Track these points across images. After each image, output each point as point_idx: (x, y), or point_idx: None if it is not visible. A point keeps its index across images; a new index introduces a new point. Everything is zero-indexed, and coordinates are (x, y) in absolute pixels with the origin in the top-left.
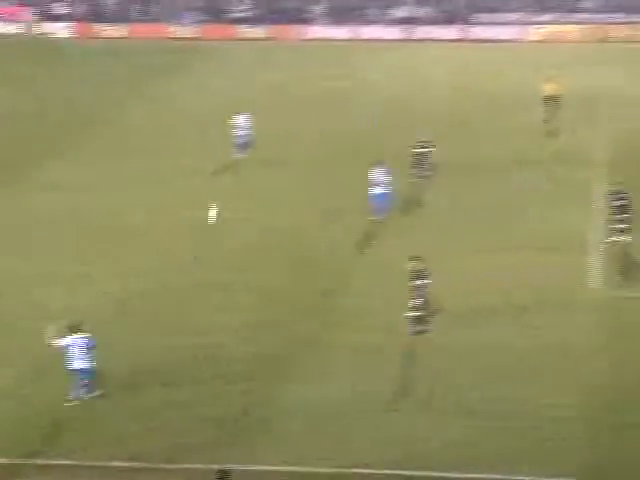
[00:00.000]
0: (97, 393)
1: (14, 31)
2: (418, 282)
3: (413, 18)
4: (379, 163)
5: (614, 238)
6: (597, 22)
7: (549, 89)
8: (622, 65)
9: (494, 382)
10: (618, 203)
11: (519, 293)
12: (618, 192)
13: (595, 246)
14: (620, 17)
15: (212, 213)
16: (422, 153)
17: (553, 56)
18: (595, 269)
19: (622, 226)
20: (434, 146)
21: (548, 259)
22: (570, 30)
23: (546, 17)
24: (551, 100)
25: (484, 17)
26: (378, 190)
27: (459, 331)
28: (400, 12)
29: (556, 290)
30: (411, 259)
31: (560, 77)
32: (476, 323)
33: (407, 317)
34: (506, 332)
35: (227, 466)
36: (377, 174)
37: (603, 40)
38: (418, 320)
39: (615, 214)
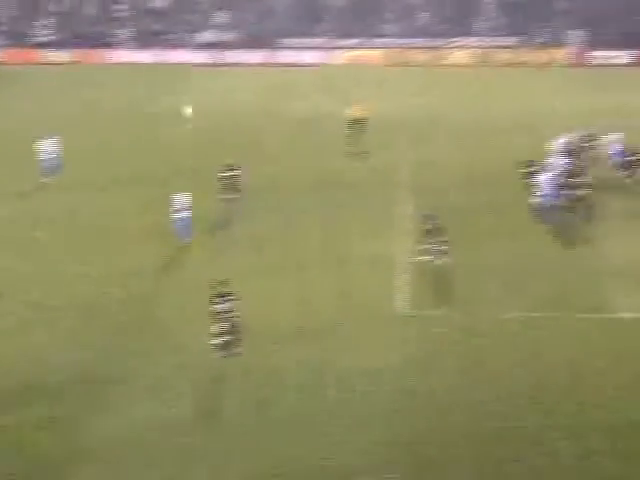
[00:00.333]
0: None
1: None
2: (223, 305)
3: (220, 42)
4: (183, 186)
5: (423, 258)
6: (400, 46)
7: (354, 112)
8: (425, 88)
9: (306, 403)
10: (428, 226)
11: (329, 313)
12: (429, 215)
13: (403, 267)
14: (422, 41)
15: (187, 110)
16: (230, 176)
17: (358, 80)
18: (403, 289)
19: (431, 247)
20: (240, 169)
21: (357, 279)
22: (375, 54)
23: (351, 41)
24: (356, 123)
25: (290, 41)
26: (182, 213)
27: (271, 351)
28: (206, 36)
29: (365, 310)
30: (217, 283)
31: (365, 101)
32: (287, 343)
33: (213, 343)
34: (317, 351)
35: None
36: (180, 197)
37: (406, 64)
38: (225, 344)
39: (425, 236)
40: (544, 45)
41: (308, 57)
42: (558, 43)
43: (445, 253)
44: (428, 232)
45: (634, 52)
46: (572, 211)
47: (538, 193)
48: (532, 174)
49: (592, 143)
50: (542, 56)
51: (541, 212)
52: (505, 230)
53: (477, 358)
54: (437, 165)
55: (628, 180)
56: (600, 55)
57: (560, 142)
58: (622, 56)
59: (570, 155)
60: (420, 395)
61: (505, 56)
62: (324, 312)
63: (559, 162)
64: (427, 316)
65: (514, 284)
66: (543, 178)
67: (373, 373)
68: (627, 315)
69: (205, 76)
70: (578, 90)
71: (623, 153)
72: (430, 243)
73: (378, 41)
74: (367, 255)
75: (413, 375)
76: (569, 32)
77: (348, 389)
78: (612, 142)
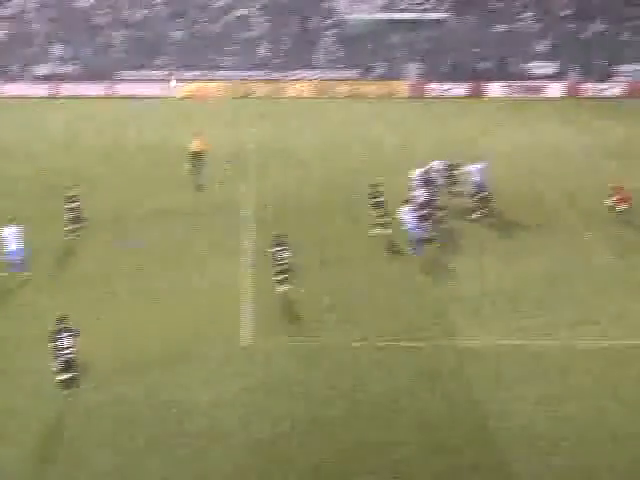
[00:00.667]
0: None
1: None
2: (63, 341)
3: (57, 75)
4: (11, 219)
5: (274, 288)
6: (241, 79)
7: (195, 145)
8: (265, 119)
9: (148, 437)
10: (274, 255)
11: (173, 345)
12: (274, 243)
13: (249, 296)
14: (261, 74)
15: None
16: (72, 208)
17: (199, 112)
18: (249, 319)
19: (277, 276)
20: (80, 200)
21: (202, 311)
22: (215, 87)
23: (192, 74)
24: (197, 155)
25: (130, 74)
26: (13, 246)
27: (113, 386)
28: (44, 69)
29: (210, 341)
30: (56, 319)
31: (205, 133)
32: (130, 377)
33: (56, 380)
34: (161, 385)
35: None
36: (10, 230)
37: (246, 96)
38: (67, 381)
39: (271, 265)
40: (383, 77)
41: (148, 90)
42: (397, 76)
43: (290, 282)
44: (274, 261)
45: (468, 84)
46: (430, 240)
47: (401, 224)
48: (377, 203)
49: (451, 173)
50: (382, 88)
51: (407, 241)
52: (351, 258)
53: (322, 387)
54: (280, 195)
55: (475, 212)
56: (437, 87)
57: (417, 173)
58: (458, 88)
59: (428, 186)
60: (264, 424)
61: (345, 88)
62: (168, 345)
63: (417, 193)
64: (272, 346)
65: (361, 312)
66: (402, 209)
67: (217, 404)
68: (476, 343)
69: (43, 109)
70: (418, 122)
71: (481, 185)
72: (276, 272)
73: (219, 73)
74: (212, 286)
75: (258, 405)
76: (407, 65)
77: (192, 421)
78: (471, 173)
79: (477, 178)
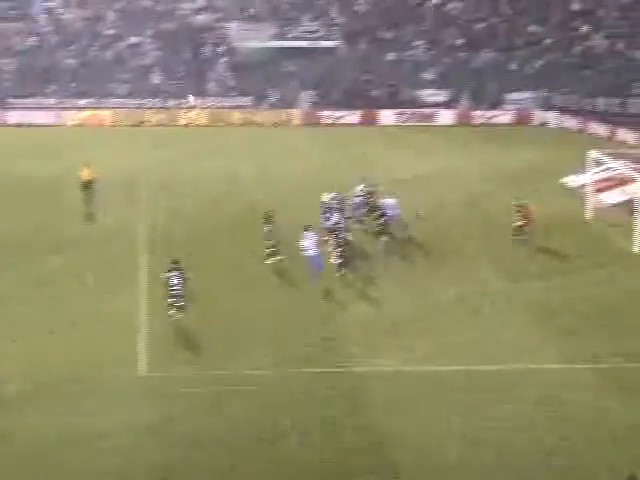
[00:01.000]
0: None
1: None
2: None
3: None
4: None
5: (169, 314)
6: (134, 106)
7: (85, 173)
8: (158, 147)
9: (42, 468)
10: (169, 282)
11: (68, 375)
12: (171, 267)
13: (146, 325)
14: (155, 102)
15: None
16: None
17: (91, 140)
18: (146, 347)
19: (172, 302)
20: None
21: (98, 340)
22: (108, 114)
23: (82, 102)
24: (88, 184)
25: (21, 101)
26: None
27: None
28: None
29: (107, 370)
30: None
31: (96, 161)
32: (21, 408)
33: None
34: (55, 415)
35: None
36: None
37: (140, 124)
38: None
39: (167, 289)
40: (277, 105)
41: (39, 118)
42: (290, 103)
43: (184, 309)
44: (167, 287)
45: (361, 112)
46: (337, 267)
47: (305, 251)
48: (269, 231)
49: (363, 200)
50: (275, 116)
51: (307, 268)
52: (246, 286)
53: (222, 416)
54: (174, 222)
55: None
56: (330, 115)
57: (324, 199)
58: (351, 115)
59: (338, 212)
60: (157, 457)
61: (239, 116)
62: (63, 375)
63: (327, 219)
64: (169, 375)
65: (256, 341)
66: (304, 235)
67: (112, 436)
68: (387, 369)
69: None
70: (312, 149)
71: (391, 215)
72: (169, 297)
73: (111, 101)
74: (108, 315)
75: (153, 437)
76: (300, 93)
77: (86, 453)
78: (384, 204)
79: (391, 212)
